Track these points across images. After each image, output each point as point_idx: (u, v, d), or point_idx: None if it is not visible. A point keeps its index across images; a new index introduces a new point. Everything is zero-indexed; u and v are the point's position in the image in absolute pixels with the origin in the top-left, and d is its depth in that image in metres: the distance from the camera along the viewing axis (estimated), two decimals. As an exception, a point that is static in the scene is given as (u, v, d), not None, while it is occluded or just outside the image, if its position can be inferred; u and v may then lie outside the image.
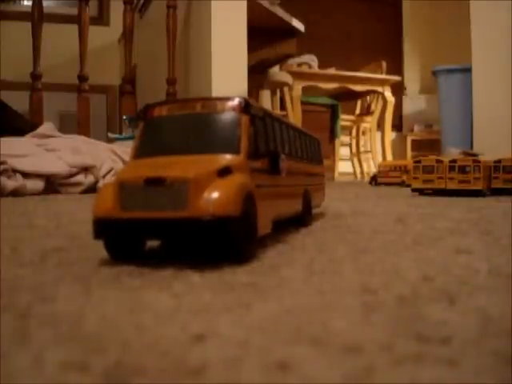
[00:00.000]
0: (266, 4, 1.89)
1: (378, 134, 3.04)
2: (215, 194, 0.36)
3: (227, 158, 0.40)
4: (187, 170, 0.36)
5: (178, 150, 0.42)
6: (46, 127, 1.81)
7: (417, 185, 1.36)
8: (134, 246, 0.40)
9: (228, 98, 0.43)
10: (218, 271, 0.35)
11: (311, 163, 0.69)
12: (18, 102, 2.22)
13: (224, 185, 0.36)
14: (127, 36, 1.95)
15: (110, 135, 2.34)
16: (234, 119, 0.42)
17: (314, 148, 0.74)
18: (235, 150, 0.40)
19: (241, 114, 0.42)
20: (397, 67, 3.77)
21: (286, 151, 0.54)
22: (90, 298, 0.28)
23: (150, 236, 0.38)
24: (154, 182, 0.36)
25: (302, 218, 0.62)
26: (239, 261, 0.37)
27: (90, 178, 1.68)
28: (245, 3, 1.79)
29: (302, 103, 2.53)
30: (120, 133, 2.58)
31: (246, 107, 0.42)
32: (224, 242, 0.36)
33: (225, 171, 0.37)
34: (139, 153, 0.44)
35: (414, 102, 3.90)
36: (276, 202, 0.48)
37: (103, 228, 0.38)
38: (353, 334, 0.22)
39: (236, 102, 0.42)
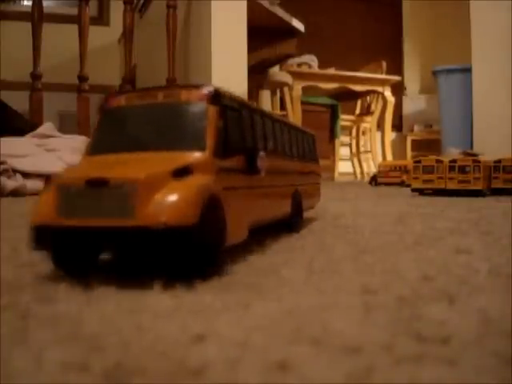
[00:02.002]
0: (266, 4, 1.89)
1: (378, 134, 3.04)
2: (168, 199, 0.30)
3: (188, 155, 0.34)
4: (136, 170, 0.31)
5: (134, 146, 0.37)
6: (46, 127, 1.81)
7: (417, 185, 1.36)
8: (86, 257, 0.34)
9: (194, 86, 0.37)
10: (218, 271, 0.35)
11: (304, 161, 0.64)
12: (18, 102, 2.21)
13: (179, 188, 0.31)
14: (127, 36, 1.95)
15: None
16: (200, 110, 0.36)
17: (307, 144, 0.67)
18: (199, 147, 0.35)
19: (208, 105, 0.36)
20: (397, 67, 3.77)
21: (269, 148, 0.48)
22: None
23: (93, 246, 0.32)
24: (96, 184, 0.31)
25: (292, 222, 0.56)
26: (199, 277, 0.32)
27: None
28: (245, 3, 1.79)
29: (302, 103, 2.54)
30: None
31: (214, 97, 0.37)
32: (179, 256, 0.31)
33: (182, 171, 0.33)
34: (93, 149, 0.38)
35: (414, 102, 3.90)
36: (254, 205, 0.43)
37: (41, 237, 0.32)
38: (353, 334, 0.22)
39: (203, 90, 0.37)
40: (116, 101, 0.39)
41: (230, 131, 0.38)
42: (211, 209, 0.33)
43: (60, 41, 3.64)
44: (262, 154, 0.42)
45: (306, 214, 0.74)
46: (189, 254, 0.31)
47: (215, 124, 0.36)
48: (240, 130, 0.41)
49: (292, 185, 0.56)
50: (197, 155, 0.35)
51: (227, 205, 0.35)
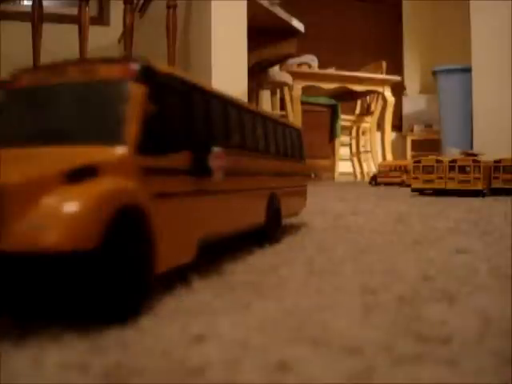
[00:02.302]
0: (265, 4, 1.89)
1: (378, 134, 3.04)
2: (51, 213, 0.22)
3: (95, 151, 0.26)
4: (11, 172, 0.23)
5: (33, 138, 0.29)
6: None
7: (417, 185, 1.36)
8: None
9: (118, 60, 0.29)
10: (218, 271, 0.35)
11: (284, 160, 0.54)
12: (18, 102, 2.21)
13: (72, 197, 0.22)
14: (127, 36, 1.96)
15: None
16: (121, 91, 0.28)
17: (290, 141, 0.57)
18: (114, 139, 0.26)
19: (133, 84, 0.28)
20: (397, 67, 3.77)
21: (233, 143, 0.40)
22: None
23: None
24: None
25: (267, 231, 0.47)
26: (118, 322, 0.23)
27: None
28: (245, 3, 1.79)
29: (302, 103, 2.53)
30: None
31: (143, 73, 0.28)
32: (76, 294, 0.22)
33: (83, 173, 0.24)
34: None
35: (414, 102, 3.90)
36: (207, 216, 0.34)
37: None
38: (353, 334, 0.22)
39: (128, 64, 0.28)
40: (19, 80, 0.31)
41: (168, 120, 0.30)
42: (127, 225, 0.24)
43: (60, 41, 3.64)
44: (217, 150, 0.34)
45: (304, 215, 0.74)
46: (90, 292, 0.22)
47: (141, 109, 0.27)
48: (185, 119, 0.32)
49: (267, 188, 0.48)
50: (109, 151, 0.26)
51: (160, 218, 0.27)
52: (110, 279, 0.23)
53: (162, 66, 0.30)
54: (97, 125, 0.28)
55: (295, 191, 0.59)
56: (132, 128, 0.27)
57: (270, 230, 0.48)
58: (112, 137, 0.27)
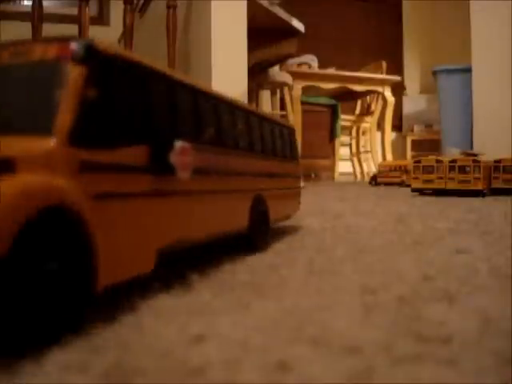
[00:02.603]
0: (265, 4, 1.89)
1: (378, 134, 3.04)
2: None
3: (17, 142, 0.22)
4: None
5: None
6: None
7: (417, 185, 1.36)
8: None
9: (54, 39, 0.26)
10: (218, 271, 0.35)
11: (274, 159, 0.50)
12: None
13: None
14: (127, 36, 1.96)
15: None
16: (56, 73, 0.24)
17: (281, 139, 0.53)
18: (44, 129, 0.23)
19: (69, 65, 0.24)
20: (397, 67, 3.77)
21: (206, 138, 0.35)
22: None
23: None
24: None
25: (252, 237, 0.43)
26: (37, 348, 0.20)
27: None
28: (245, 3, 1.79)
29: (302, 103, 2.53)
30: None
31: (83, 52, 0.25)
32: None
33: None
34: None
35: (414, 102, 3.90)
36: (170, 220, 0.30)
37: None
38: (352, 334, 0.22)
39: (66, 43, 0.25)
40: None
41: (115, 108, 0.26)
42: (52, 231, 0.21)
43: (60, 41, 3.65)
44: (182, 145, 0.30)
45: (304, 215, 0.74)
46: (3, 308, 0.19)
47: (78, 94, 0.24)
48: (141, 109, 0.28)
49: (251, 189, 0.44)
50: (33, 142, 0.22)
51: (103, 222, 0.24)
52: (25, 292, 0.19)
53: (108, 45, 0.26)
54: (27, 112, 0.24)
55: (286, 193, 0.55)
56: (65, 116, 0.23)
57: (255, 235, 0.44)
58: (40, 126, 0.23)
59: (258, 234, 0.44)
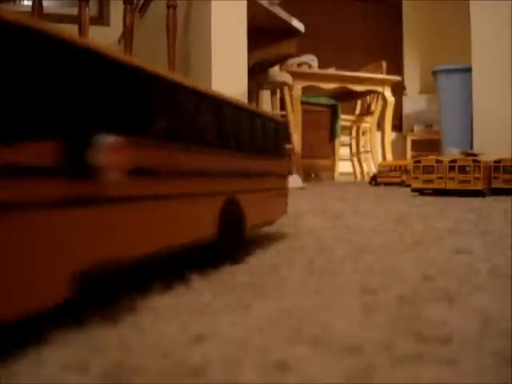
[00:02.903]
0: (265, 4, 1.89)
1: (378, 134, 3.04)
2: None
3: None
4: None
5: None
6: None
7: (417, 185, 1.36)
8: None
9: None
10: (218, 271, 0.35)
11: (252, 157, 0.44)
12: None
13: None
14: (127, 36, 1.96)
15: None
16: None
17: (263, 133, 0.46)
18: None
19: None
20: (397, 67, 3.77)
21: (154, 132, 0.28)
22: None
23: None
24: None
25: (222, 247, 0.37)
26: None
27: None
28: (245, 3, 1.79)
29: (302, 103, 2.53)
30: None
31: None
32: None
33: None
34: None
35: (414, 102, 3.90)
36: (93, 235, 0.23)
37: None
38: (352, 333, 0.22)
39: None
40: None
41: (12, 92, 0.19)
42: None
43: (60, 41, 3.65)
44: (111, 140, 0.24)
45: (304, 215, 0.73)
46: None
47: None
48: (53, 92, 0.21)
49: (221, 192, 0.37)
50: None
51: None
52: None
53: (11, 15, 0.20)
54: None
55: (268, 195, 0.48)
56: None
57: (226, 244, 0.38)
58: None
59: (230, 241, 0.38)
